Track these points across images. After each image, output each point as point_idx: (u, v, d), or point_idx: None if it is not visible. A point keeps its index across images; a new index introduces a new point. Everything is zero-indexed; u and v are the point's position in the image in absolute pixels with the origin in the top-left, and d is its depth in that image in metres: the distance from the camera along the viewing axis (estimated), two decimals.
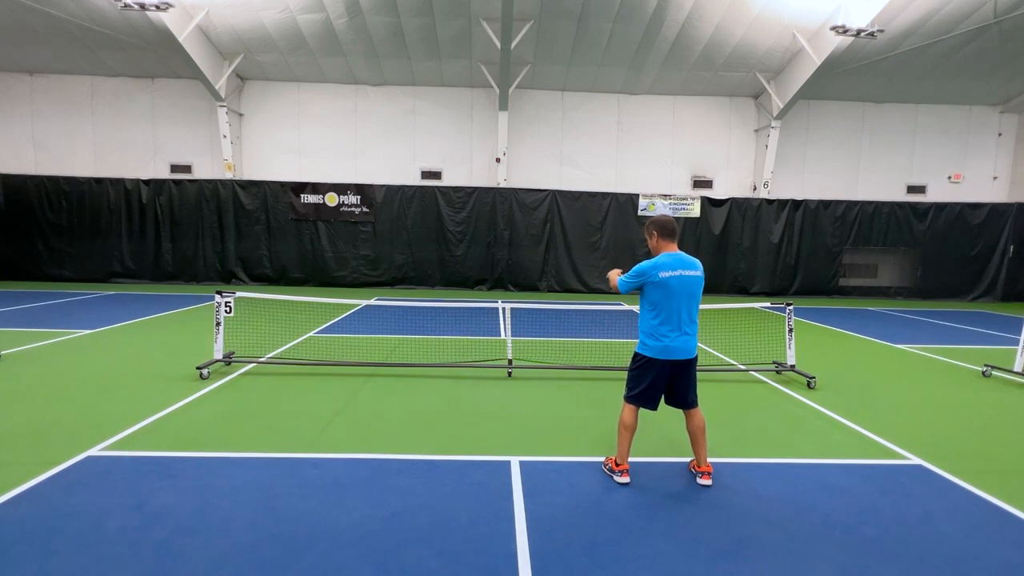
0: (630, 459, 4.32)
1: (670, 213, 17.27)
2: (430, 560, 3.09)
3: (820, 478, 4.26)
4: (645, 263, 4.01)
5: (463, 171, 17.69)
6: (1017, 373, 7.32)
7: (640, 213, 17.30)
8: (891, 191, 18.08)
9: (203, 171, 17.25)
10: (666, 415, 5.71)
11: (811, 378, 6.85)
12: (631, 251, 17.36)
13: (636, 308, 10.55)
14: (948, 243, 17.54)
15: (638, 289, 4.10)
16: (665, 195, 17.40)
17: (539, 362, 7.46)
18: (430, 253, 17.14)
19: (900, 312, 14.73)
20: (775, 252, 17.48)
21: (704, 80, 16.88)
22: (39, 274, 16.61)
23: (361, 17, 14.32)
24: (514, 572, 3.02)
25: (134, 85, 16.97)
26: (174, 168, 17.26)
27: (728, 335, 10.06)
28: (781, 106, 16.40)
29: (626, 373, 4.24)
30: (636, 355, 4.11)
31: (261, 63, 16.32)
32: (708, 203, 17.37)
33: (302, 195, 16.89)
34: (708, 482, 4.06)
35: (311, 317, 10.79)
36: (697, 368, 4.16)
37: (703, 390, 6.64)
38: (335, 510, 3.59)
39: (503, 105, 16.31)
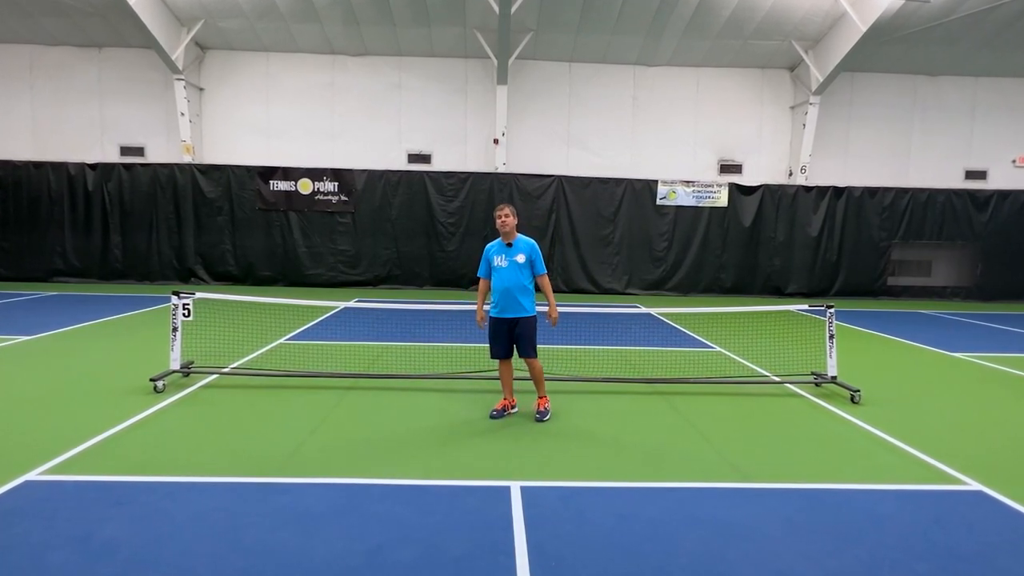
0: (669, 484, 4.35)
1: (693, 202, 17.31)
2: None
3: (865, 506, 4.27)
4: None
5: (456, 154, 17.70)
6: None
7: (659, 202, 17.31)
8: (947, 177, 18.07)
9: (157, 154, 17.25)
10: (701, 437, 5.69)
11: (855, 391, 6.86)
12: (649, 245, 17.37)
13: (653, 310, 10.38)
14: (1012, 237, 17.54)
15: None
16: (688, 181, 17.41)
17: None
18: (418, 248, 17.15)
19: (957, 316, 14.74)
20: (814, 247, 17.49)
21: (732, 50, 16.89)
22: None
23: None
24: None
25: (78, 55, 16.98)
26: (124, 151, 17.25)
27: (760, 342, 10.06)
28: (821, 79, 16.40)
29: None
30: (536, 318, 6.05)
31: (224, 30, 16.33)
32: (737, 191, 17.37)
33: (271, 181, 16.89)
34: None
35: (282, 321, 10.79)
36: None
37: (730, 403, 6.67)
38: (309, 542, 3.59)
39: (502, 79, 16.32)
